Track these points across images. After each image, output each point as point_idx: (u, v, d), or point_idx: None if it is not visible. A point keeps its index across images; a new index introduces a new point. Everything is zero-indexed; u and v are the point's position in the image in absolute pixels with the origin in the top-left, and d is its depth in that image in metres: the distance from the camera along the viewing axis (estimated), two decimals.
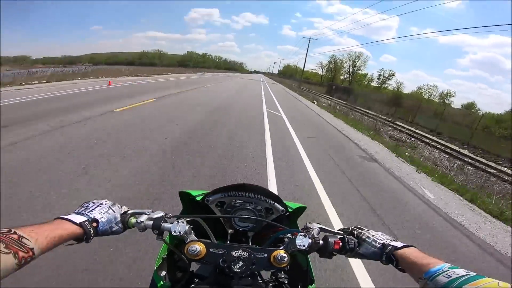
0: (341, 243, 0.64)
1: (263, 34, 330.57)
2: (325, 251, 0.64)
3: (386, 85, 55.83)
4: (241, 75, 73.90)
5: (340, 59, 63.51)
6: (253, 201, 0.78)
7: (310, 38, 43.76)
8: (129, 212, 0.66)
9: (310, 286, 0.75)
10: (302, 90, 32.51)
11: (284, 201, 0.82)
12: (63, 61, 64.03)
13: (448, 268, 0.48)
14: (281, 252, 0.62)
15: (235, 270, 0.60)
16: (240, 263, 0.61)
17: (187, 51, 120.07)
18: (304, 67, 49.39)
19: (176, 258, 0.77)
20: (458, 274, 0.46)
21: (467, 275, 0.45)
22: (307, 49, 43.35)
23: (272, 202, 0.79)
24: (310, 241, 0.62)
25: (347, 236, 0.66)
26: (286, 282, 0.73)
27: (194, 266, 0.71)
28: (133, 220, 0.64)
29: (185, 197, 0.86)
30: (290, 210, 0.81)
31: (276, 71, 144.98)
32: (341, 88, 39.46)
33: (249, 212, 0.77)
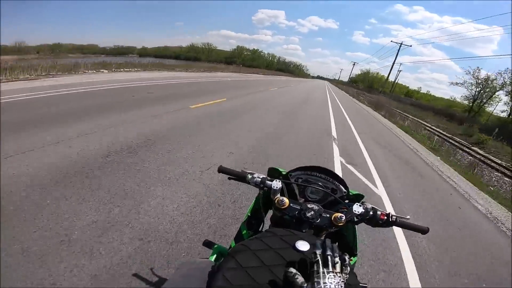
0: (385, 217, 0.86)
1: (331, 39, 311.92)
2: (373, 220, 0.86)
3: None
4: (286, 84, 31.61)
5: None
6: (323, 181, 0.99)
7: (401, 43, 32.65)
8: (248, 172, 0.98)
9: (353, 258, 0.95)
10: None
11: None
12: (113, 52, 67.11)
13: None
14: (341, 214, 0.82)
15: (308, 215, 0.82)
16: (312, 213, 0.82)
17: (237, 46, 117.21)
18: (388, 76, 38.77)
19: (256, 217, 1.07)
20: None
21: None
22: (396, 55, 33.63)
23: (337, 183, 0.99)
24: (363, 210, 0.84)
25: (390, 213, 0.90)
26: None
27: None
28: (249, 176, 0.94)
29: (272, 171, 1.07)
30: (351, 193, 0.99)
31: (345, 79, 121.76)
32: None
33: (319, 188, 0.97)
